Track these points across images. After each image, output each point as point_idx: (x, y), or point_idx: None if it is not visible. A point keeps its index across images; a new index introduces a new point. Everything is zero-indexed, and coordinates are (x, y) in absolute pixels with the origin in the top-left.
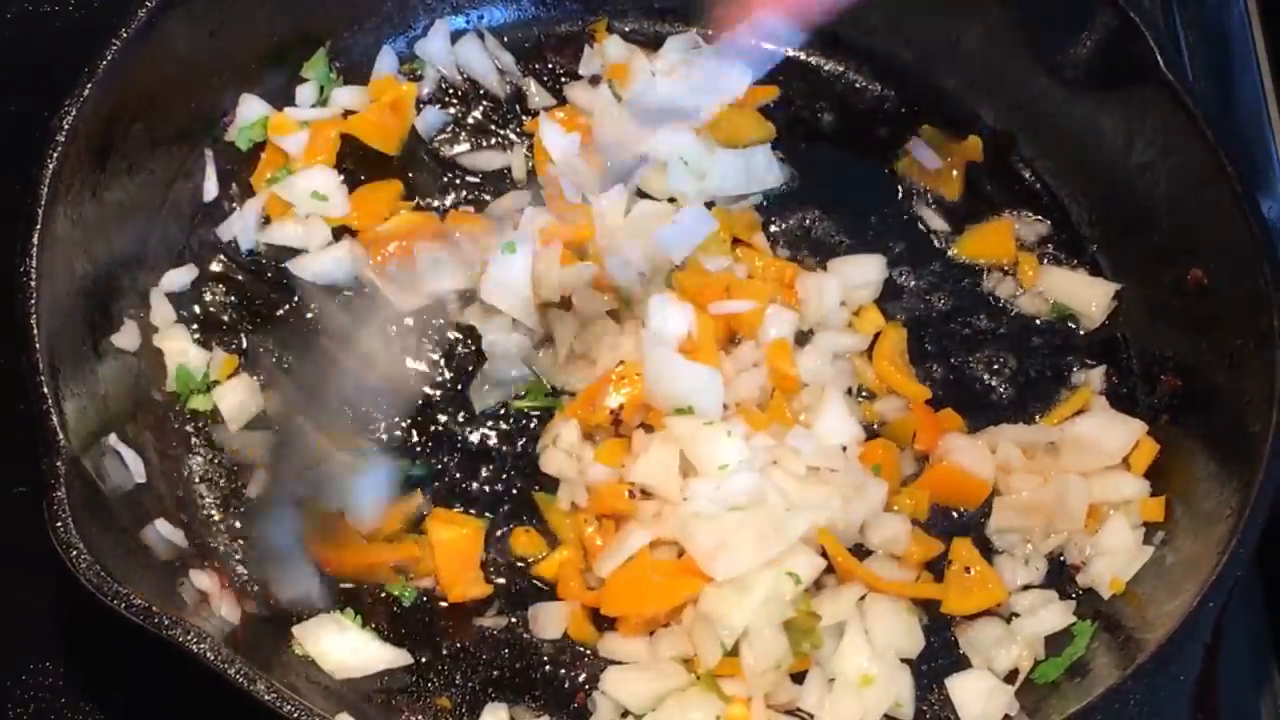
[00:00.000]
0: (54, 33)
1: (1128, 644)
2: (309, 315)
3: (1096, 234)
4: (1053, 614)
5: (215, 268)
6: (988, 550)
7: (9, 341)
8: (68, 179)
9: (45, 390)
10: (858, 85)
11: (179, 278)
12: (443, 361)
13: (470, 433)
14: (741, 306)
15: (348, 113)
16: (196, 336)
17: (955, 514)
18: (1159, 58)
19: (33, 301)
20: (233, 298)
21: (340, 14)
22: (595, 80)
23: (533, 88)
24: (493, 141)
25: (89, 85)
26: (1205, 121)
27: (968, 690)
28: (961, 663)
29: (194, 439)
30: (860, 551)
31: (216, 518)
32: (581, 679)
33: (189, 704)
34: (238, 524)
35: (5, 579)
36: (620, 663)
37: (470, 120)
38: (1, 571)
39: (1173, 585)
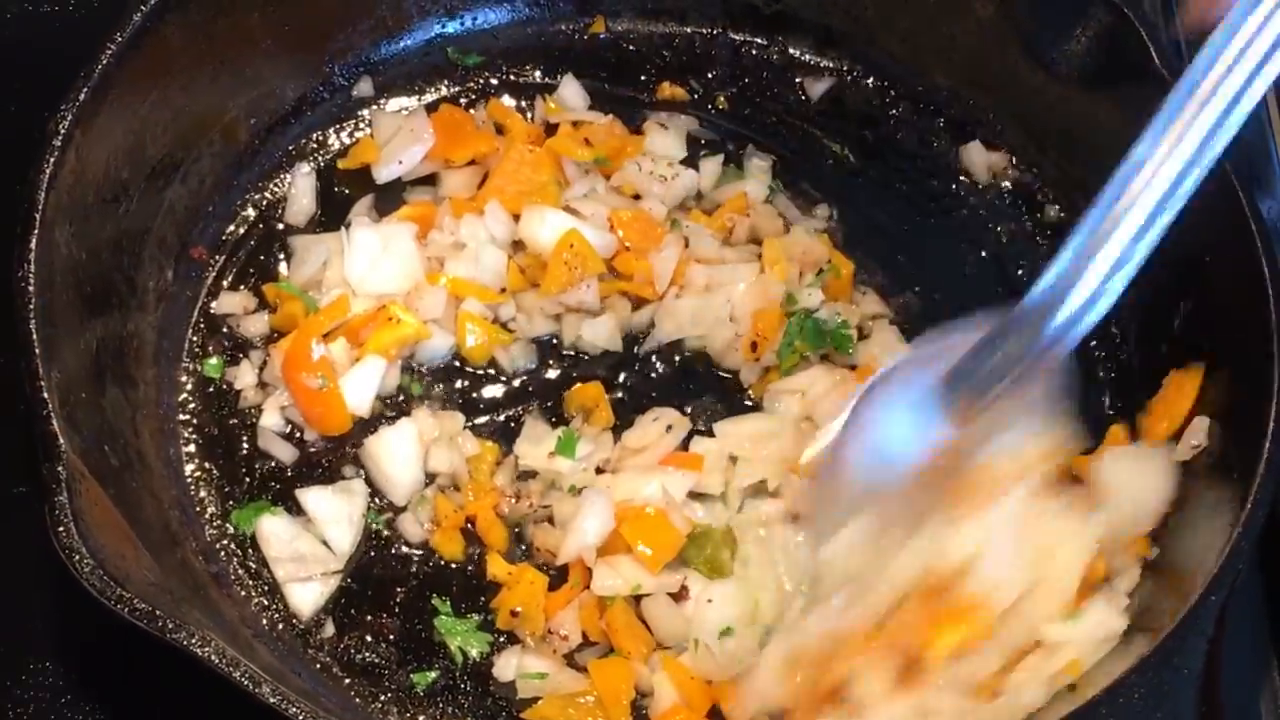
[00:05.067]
0: (54, 33)
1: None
2: None
3: None
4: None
5: None
6: None
7: (7, 342)
8: (64, 183)
9: (45, 395)
10: (849, 80)
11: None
12: None
13: None
14: None
15: None
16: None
17: None
18: (1153, 53)
19: (31, 307)
20: None
21: (334, 16)
22: None
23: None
24: None
25: (84, 89)
26: None
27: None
28: None
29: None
30: None
31: (218, 520)
32: None
33: (189, 704)
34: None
35: (5, 579)
36: None
37: None
38: (1, 571)
39: (1176, 580)
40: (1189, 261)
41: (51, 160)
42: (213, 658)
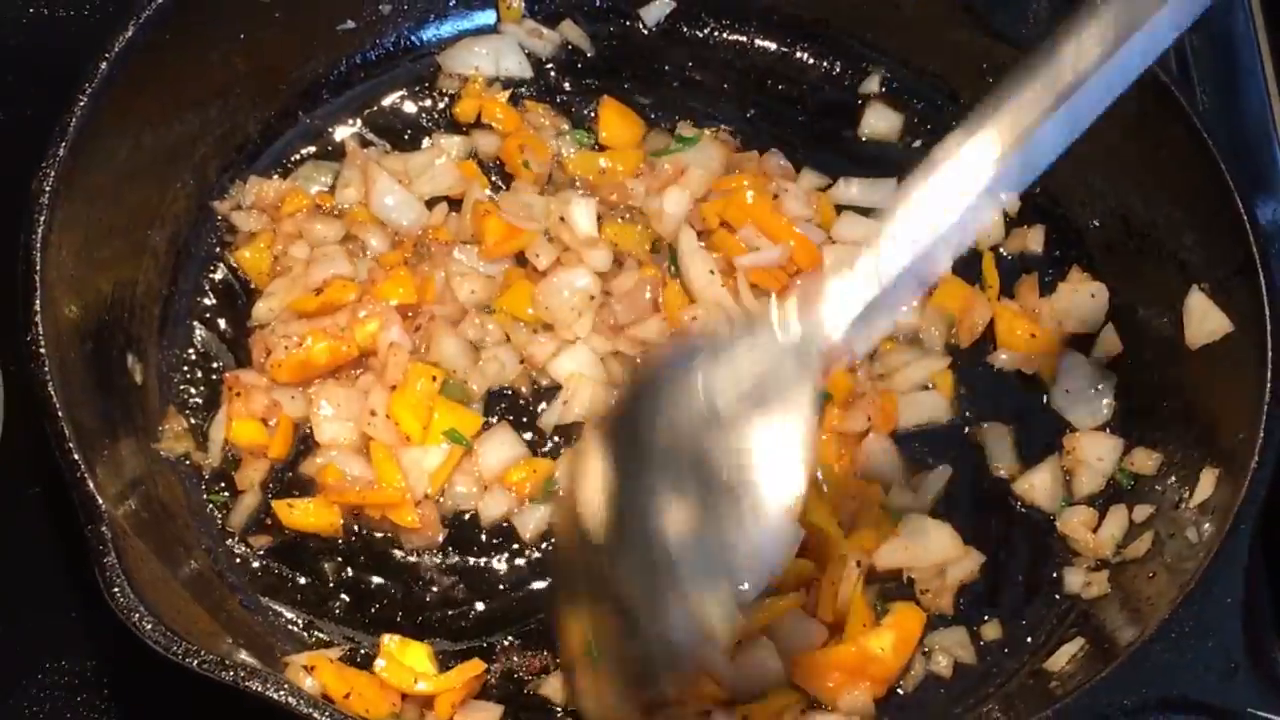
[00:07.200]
0: (55, 36)
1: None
2: None
3: (1093, 234)
4: None
5: None
6: None
7: (16, 351)
8: (55, 242)
9: (76, 457)
10: (834, 74)
11: None
12: None
13: None
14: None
15: None
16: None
17: None
18: None
19: (47, 370)
20: None
21: (296, 49)
22: None
23: None
24: None
25: (62, 145)
26: (1191, 108)
27: None
28: None
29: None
30: None
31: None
32: None
33: (204, 704)
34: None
35: (20, 579)
36: None
37: None
38: (16, 572)
39: (1205, 516)
40: (1188, 259)
41: (42, 220)
42: (290, 700)
